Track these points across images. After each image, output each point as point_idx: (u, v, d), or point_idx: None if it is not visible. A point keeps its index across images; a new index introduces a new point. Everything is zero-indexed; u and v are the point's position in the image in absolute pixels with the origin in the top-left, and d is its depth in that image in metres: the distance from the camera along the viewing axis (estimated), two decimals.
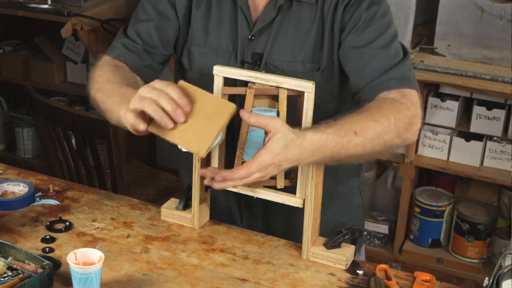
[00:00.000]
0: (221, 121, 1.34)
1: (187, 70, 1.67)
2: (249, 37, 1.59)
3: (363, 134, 1.39)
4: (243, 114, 1.34)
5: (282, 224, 1.72)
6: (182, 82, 1.38)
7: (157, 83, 1.35)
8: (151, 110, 1.32)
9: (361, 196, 1.83)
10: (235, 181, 1.35)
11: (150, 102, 1.32)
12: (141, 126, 1.35)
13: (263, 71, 1.53)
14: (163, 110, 1.32)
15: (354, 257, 1.53)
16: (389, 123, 1.41)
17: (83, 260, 1.37)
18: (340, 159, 1.40)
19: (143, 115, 1.35)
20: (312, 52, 1.57)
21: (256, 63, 1.59)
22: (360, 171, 1.82)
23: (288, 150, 1.32)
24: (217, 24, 1.62)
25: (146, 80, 1.66)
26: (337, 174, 1.68)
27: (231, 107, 1.34)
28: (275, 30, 1.58)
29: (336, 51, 1.57)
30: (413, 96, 1.50)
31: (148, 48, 1.66)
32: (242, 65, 1.60)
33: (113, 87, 1.51)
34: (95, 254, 1.37)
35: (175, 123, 1.33)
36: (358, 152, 1.40)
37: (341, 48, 1.56)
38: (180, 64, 1.69)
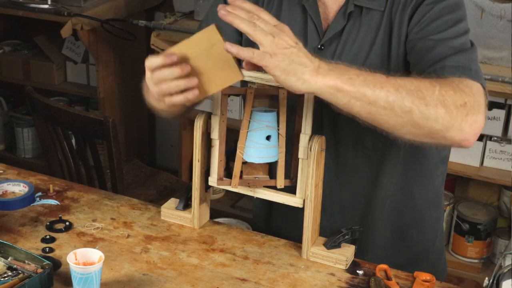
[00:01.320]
0: (224, 84, 1.35)
1: None
2: (319, 46, 1.53)
3: (396, 79, 1.26)
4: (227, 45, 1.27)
5: None
6: (214, 26, 1.33)
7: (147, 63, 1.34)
8: (165, 95, 1.33)
9: (441, 226, 1.75)
10: (256, 13, 1.25)
11: (163, 86, 1.33)
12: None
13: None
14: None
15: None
16: (433, 88, 1.26)
17: (83, 260, 1.37)
18: (367, 94, 1.25)
19: None
20: (380, 61, 1.49)
21: None
22: (440, 198, 1.72)
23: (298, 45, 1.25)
24: None
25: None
26: (412, 204, 1.63)
27: (239, 77, 1.33)
28: (344, 39, 1.52)
29: (404, 53, 1.48)
30: (473, 86, 1.31)
31: None
32: None
33: None
34: (95, 254, 1.37)
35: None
36: (389, 96, 1.25)
37: (407, 43, 1.46)
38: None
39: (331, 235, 1.52)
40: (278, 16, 1.58)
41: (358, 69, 1.28)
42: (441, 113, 1.26)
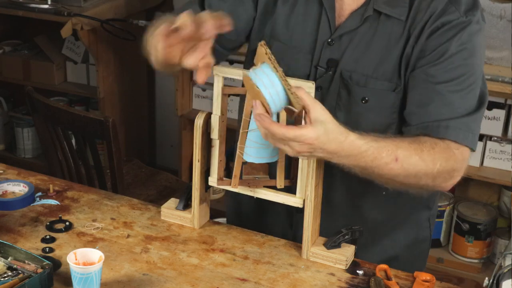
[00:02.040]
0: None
1: None
2: (328, 40, 1.53)
3: (403, 164, 1.37)
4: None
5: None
6: (263, 44, 1.32)
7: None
8: None
9: (430, 229, 1.75)
10: (266, 128, 1.27)
11: None
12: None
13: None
14: None
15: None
16: (433, 168, 1.39)
17: (83, 260, 1.37)
18: (370, 174, 1.39)
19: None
20: (392, 71, 1.50)
21: (329, 70, 1.53)
22: (432, 203, 1.73)
23: (329, 139, 1.28)
24: (300, 23, 1.56)
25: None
26: (401, 205, 1.64)
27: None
28: (357, 40, 1.51)
29: (408, 73, 1.49)
30: (465, 152, 1.45)
31: None
32: (316, 69, 1.54)
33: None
34: (95, 254, 1.37)
35: None
36: (389, 176, 1.39)
37: (413, 73, 1.48)
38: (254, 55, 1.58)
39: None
40: (294, 4, 1.57)
41: (370, 145, 1.34)
42: (429, 182, 1.43)
